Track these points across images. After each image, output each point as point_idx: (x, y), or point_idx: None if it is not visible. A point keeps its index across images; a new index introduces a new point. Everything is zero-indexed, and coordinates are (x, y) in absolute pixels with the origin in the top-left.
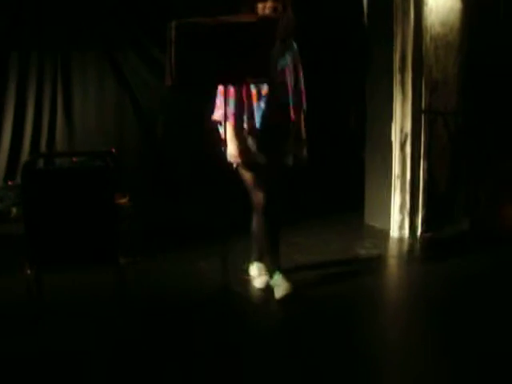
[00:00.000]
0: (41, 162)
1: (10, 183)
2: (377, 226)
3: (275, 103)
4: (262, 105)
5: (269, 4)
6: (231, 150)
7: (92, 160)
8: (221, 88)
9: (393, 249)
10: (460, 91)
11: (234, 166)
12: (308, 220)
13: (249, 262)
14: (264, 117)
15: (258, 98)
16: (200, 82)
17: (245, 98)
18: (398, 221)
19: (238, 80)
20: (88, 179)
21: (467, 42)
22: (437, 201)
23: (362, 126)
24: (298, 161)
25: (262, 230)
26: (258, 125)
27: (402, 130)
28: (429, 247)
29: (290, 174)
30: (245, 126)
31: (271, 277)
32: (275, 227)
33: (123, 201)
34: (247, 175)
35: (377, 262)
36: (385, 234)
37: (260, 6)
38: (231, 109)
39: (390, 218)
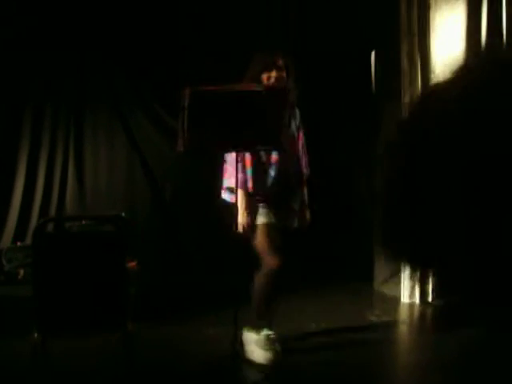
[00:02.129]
0: (51, 224)
1: (18, 244)
2: (387, 293)
3: (284, 170)
4: (272, 172)
5: (273, 73)
6: (242, 217)
7: (102, 223)
8: (233, 155)
9: (404, 316)
10: None
11: (243, 228)
12: (317, 286)
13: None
14: (274, 183)
15: (269, 165)
16: (211, 148)
17: (256, 165)
18: (408, 287)
19: (249, 147)
20: (99, 244)
21: None
22: None
23: (371, 190)
24: (301, 224)
25: (269, 290)
26: (253, 189)
27: None
28: (440, 314)
29: (291, 236)
30: (256, 191)
31: (258, 332)
32: (280, 289)
33: (131, 265)
34: (263, 238)
35: (388, 329)
36: (395, 300)
37: (265, 75)
38: (243, 176)
39: (400, 284)
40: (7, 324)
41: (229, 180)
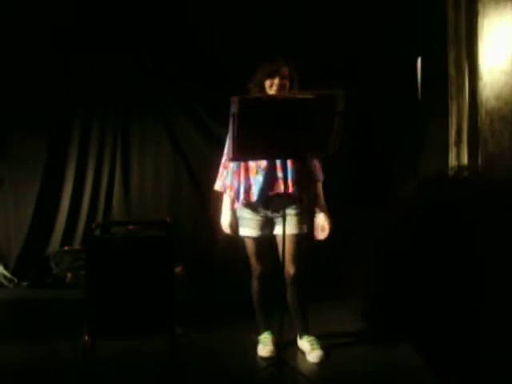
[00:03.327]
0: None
1: (66, 248)
2: None
3: (273, 177)
4: (260, 178)
5: (276, 81)
6: (225, 221)
7: (147, 229)
8: (224, 160)
9: None
10: None
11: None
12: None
13: (258, 333)
14: (261, 189)
15: (257, 171)
16: (260, 156)
17: (243, 171)
18: None
19: (299, 155)
20: (148, 248)
21: None
22: None
23: (418, 196)
24: (312, 231)
25: (295, 298)
26: (255, 197)
27: None
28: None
29: (306, 242)
30: (243, 197)
31: (300, 342)
32: (302, 294)
33: (177, 270)
34: (248, 244)
35: None
36: None
37: (268, 82)
38: (228, 181)
39: None
40: (56, 326)
41: (217, 183)
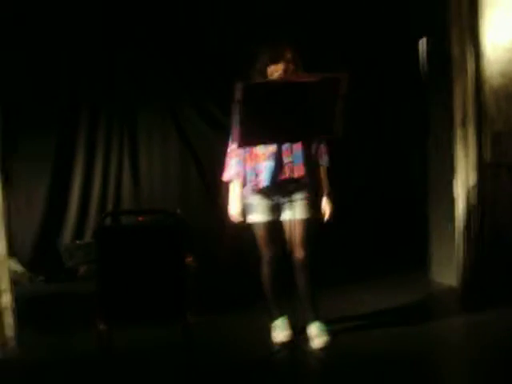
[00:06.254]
0: (107, 221)
1: (77, 242)
2: (443, 282)
3: (281, 162)
4: (270, 163)
5: (281, 65)
6: (234, 210)
7: (157, 219)
8: (229, 150)
9: (459, 305)
10: None
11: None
12: (373, 276)
13: (271, 319)
14: (271, 174)
15: (266, 157)
16: (266, 140)
17: (251, 158)
18: (464, 277)
19: (304, 138)
20: (159, 237)
21: None
22: (504, 256)
23: (424, 180)
24: (318, 214)
25: (305, 282)
26: (266, 182)
27: (465, 184)
28: (498, 304)
29: (314, 226)
30: (252, 184)
31: (308, 327)
32: (311, 279)
33: (188, 260)
34: (258, 230)
35: (446, 319)
36: (451, 290)
37: (271, 68)
38: (238, 168)
39: (455, 273)
40: (70, 319)
41: (226, 174)
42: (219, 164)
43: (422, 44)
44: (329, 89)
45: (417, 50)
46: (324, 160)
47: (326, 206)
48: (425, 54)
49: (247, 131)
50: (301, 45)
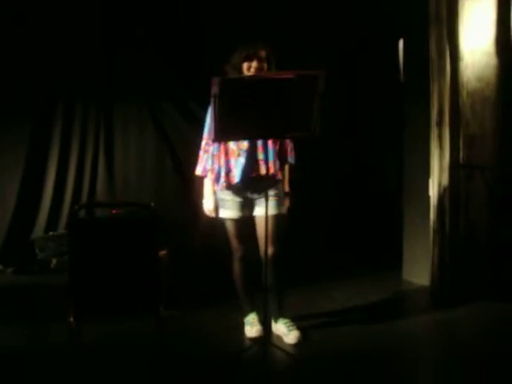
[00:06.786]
0: (81, 213)
1: (50, 234)
2: (416, 281)
3: (254, 159)
4: (242, 160)
5: (254, 64)
6: (207, 205)
7: (131, 212)
8: (204, 144)
9: (431, 304)
10: (498, 145)
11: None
12: (344, 275)
13: (243, 315)
14: (243, 171)
15: (238, 153)
16: (242, 136)
17: (223, 154)
18: (437, 276)
19: (280, 134)
20: (132, 230)
21: (504, 97)
22: (477, 255)
23: (399, 179)
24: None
25: (273, 279)
26: (237, 178)
27: (439, 184)
28: (469, 302)
29: (285, 223)
30: (224, 180)
31: (274, 324)
32: (279, 276)
33: (161, 253)
34: (229, 226)
35: (416, 317)
36: (423, 288)
37: (245, 65)
38: (209, 165)
39: (428, 273)
40: (41, 312)
41: (198, 168)
42: (195, 158)
43: (401, 45)
44: (306, 86)
45: (395, 50)
46: (291, 157)
47: (285, 203)
48: (403, 55)
49: (223, 126)
50: (280, 44)
